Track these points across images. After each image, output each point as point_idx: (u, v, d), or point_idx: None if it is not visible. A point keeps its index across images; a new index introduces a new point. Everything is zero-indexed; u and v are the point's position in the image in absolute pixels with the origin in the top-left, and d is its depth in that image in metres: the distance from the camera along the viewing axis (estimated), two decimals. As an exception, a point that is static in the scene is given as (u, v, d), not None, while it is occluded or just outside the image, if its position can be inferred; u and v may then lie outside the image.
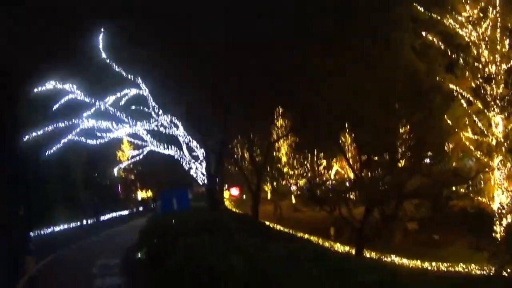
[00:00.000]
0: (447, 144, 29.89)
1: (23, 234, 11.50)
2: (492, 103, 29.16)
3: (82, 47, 25.81)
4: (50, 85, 23.60)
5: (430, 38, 29.62)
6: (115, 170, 40.48)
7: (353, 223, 27.48)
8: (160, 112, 30.29)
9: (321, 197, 28.48)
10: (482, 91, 29.09)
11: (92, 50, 25.68)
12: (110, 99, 27.65)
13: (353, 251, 29.51)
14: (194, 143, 32.33)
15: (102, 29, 25.53)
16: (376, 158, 29.80)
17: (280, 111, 51.43)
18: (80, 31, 25.49)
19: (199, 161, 32.18)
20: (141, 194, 60.19)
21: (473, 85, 29.64)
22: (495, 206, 30.05)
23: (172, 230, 14.26)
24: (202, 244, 9.40)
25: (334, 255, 16.04)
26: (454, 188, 26.44)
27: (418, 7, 29.20)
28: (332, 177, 59.10)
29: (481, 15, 29.40)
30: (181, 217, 19.76)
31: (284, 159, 55.88)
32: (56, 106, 24.60)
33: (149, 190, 60.33)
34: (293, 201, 58.43)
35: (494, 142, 29.63)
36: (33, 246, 11.73)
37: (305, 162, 57.50)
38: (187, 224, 15.35)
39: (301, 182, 58.22)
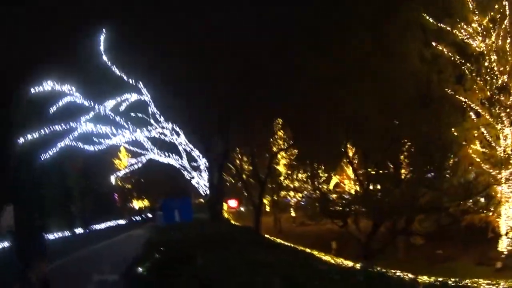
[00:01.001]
0: (453, 157, 29.15)
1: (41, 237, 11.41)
2: (503, 114, 28.49)
3: (82, 47, 24.75)
4: (48, 85, 22.47)
5: (440, 48, 29.04)
6: (112, 179, 39.35)
7: (359, 237, 26.56)
8: (162, 119, 29.36)
9: (334, 210, 27.48)
10: (494, 102, 28.35)
11: (93, 51, 24.67)
12: (110, 103, 26.61)
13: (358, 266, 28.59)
14: (196, 153, 31.40)
15: (104, 30, 24.50)
16: (381, 171, 28.98)
17: (280, 123, 50.76)
18: (80, 31, 24.47)
19: (200, 171, 31.24)
20: (137, 204, 59.08)
21: (482, 96, 29.04)
22: (502, 219, 29.47)
23: (179, 243, 13.25)
24: (219, 260, 8.41)
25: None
26: (465, 202, 25.38)
27: (427, 17, 28.75)
28: (331, 189, 58.29)
29: (491, 25, 28.88)
30: (186, 228, 18.85)
31: (284, 171, 54.89)
32: (53, 108, 23.44)
33: (146, 200, 59.25)
34: (292, 214, 57.55)
35: (502, 155, 29.06)
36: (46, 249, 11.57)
37: (306, 174, 56.65)
38: (192, 236, 14.42)
39: (299, 195, 57.51)
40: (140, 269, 13.13)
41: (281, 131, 51.30)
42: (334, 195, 35.31)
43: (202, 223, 24.14)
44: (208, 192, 30.33)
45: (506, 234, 29.27)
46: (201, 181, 31.38)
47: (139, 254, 15.45)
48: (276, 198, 55.63)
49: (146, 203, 58.80)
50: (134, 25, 24.43)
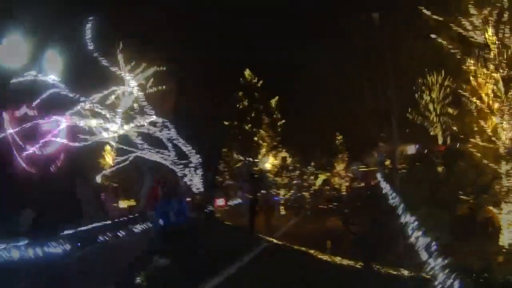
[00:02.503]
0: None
1: None
2: (507, 107, 27.87)
3: (68, 35, 23.19)
4: (30, 76, 20.88)
5: (440, 40, 28.38)
6: (98, 177, 37.68)
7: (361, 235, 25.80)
8: (153, 112, 28.06)
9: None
10: (498, 94, 27.73)
11: (78, 40, 23.14)
12: (97, 96, 25.20)
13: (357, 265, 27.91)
14: (188, 148, 30.13)
15: (92, 17, 23.01)
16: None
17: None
18: (66, 17, 22.90)
19: (193, 167, 29.98)
20: (123, 203, 57.03)
21: (481, 91, 28.44)
22: (503, 214, 29.04)
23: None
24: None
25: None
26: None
27: (424, 10, 28.17)
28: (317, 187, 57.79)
29: (490, 19, 28.24)
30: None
31: (273, 168, 53.88)
32: (37, 101, 21.85)
33: (132, 200, 57.31)
34: (282, 212, 56.74)
35: (502, 149, 28.53)
36: None
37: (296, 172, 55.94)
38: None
39: (287, 193, 57.03)
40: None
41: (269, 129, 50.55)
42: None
43: (196, 225, 22.66)
44: (200, 190, 29.13)
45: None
46: (193, 179, 30.10)
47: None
48: (265, 196, 54.61)
49: (133, 202, 56.85)
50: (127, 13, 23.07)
